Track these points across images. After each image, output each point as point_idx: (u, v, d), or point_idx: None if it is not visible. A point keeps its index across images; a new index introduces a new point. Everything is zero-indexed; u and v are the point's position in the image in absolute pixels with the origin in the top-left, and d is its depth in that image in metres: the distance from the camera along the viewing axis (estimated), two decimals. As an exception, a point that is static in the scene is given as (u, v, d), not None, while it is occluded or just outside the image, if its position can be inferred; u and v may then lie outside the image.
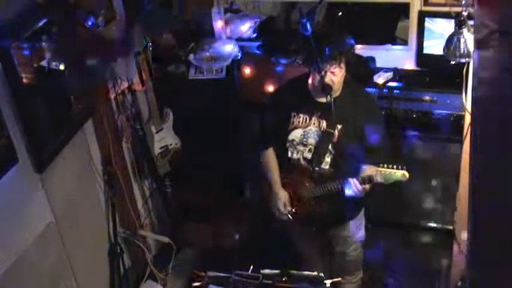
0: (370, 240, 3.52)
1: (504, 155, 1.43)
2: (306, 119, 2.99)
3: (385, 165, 2.78)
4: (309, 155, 2.99)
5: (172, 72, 4.13)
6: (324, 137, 2.93)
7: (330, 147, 2.94)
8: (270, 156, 3.13)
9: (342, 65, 2.81)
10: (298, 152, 3.02)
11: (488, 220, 1.50)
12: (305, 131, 2.99)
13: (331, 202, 3.01)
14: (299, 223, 3.22)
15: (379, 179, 2.80)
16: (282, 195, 3.11)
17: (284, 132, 3.03)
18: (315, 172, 2.98)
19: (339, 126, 2.91)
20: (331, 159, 2.96)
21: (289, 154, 3.04)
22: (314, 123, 2.97)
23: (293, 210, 3.11)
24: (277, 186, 3.11)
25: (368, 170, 2.86)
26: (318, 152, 2.96)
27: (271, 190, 3.15)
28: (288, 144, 3.03)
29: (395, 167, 2.78)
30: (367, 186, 2.84)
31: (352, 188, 2.84)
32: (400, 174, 2.77)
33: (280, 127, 3.04)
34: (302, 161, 3.02)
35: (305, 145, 3.00)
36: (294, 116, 3.01)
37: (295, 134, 3.01)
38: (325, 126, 2.93)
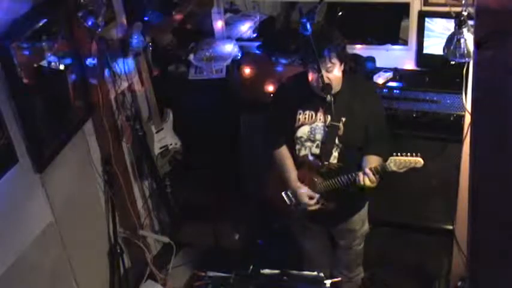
0: (370, 240, 3.52)
1: (504, 155, 1.43)
2: (311, 115, 2.99)
3: (399, 154, 2.79)
4: (316, 151, 2.99)
5: (172, 72, 4.13)
6: (330, 131, 2.94)
7: (336, 140, 2.94)
8: (284, 154, 3.10)
9: (334, 61, 2.81)
10: (306, 149, 3.02)
11: (488, 220, 1.50)
12: (312, 127, 2.99)
13: (339, 196, 3.02)
14: (303, 220, 3.22)
15: (393, 167, 2.81)
16: (303, 190, 3.06)
17: (291, 129, 3.03)
18: (324, 167, 2.98)
19: (343, 119, 2.91)
20: (338, 152, 2.96)
21: (297, 151, 3.05)
22: (320, 119, 2.97)
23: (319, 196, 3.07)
24: (296, 183, 3.07)
25: (373, 160, 2.88)
26: (326, 146, 2.96)
27: (283, 187, 3.13)
28: (295, 142, 3.04)
29: (408, 154, 2.79)
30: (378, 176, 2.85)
31: (366, 179, 2.83)
32: (414, 161, 2.78)
33: (287, 125, 3.04)
34: (310, 157, 3.02)
35: (313, 141, 3.00)
36: (300, 113, 3.01)
37: (303, 131, 3.01)
38: (330, 121, 2.93)
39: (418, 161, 2.79)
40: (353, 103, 2.93)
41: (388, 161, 2.81)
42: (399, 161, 2.80)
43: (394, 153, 2.81)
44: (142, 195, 4.04)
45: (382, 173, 2.84)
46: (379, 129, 2.98)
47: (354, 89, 2.97)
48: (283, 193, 3.15)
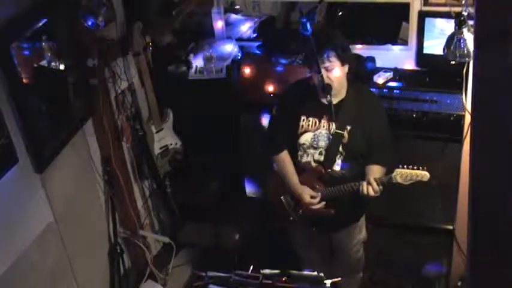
0: (370, 240, 3.52)
1: (504, 155, 1.42)
2: (315, 122, 2.98)
3: (405, 166, 2.77)
4: (320, 158, 2.98)
5: (172, 72, 4.13)
6: (334, 138, 2.93)
7: (340, 148, 2.93)
8: (285, 159, 3.08)
9: (332, 59, 2.80)
10: (308, 155, 3.01)
11: (488, 220, 1.50)
12: (315, 134, 2.98)
13: (340, 204, 3.01)
14: (303, 224, 3.22)
15: (398, 179, 2.78)
16: (306, 192, 3.03)
17: (294, 135, 3.01)
18: (327, 174, 2.97)
19: (348, 127, 2.91)
20: (341, 160, 2.96)
21: (299, 157, 3.03)
22: (324, 126, 2.96)
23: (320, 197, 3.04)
24: (297, 187, 3.05)
25: (376, 170, 2.87)
26: (329, 154, 2.95)
27: (282, 189, 3.12)
28: (297, 148, 3.02)
29: (415, 167, 2.77)
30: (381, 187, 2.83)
31: (370, 189, 2.81)
32: (420, 174, 2.76)
33: (290, 130, 3.03)
34: (313, 163, 3.00)
35: (315, 148, 2.98)
36: (304, 120, 3.00)
37: (306, 138, 2.99)
38: (334, 128, 2.92)
39: (425, 174, 2.76)
40: (359, 112, 2.92)
41: (394, 173, 2.78)
42: (405, 174, 2.76)
43: (400, 166, 2.77)
44: (142, 195, 4.04)
45: (387, 184, 2.81)
46: (382, 139, 2.97)
47: (360, 98, 2.97)
48: (282, 197, 3.14)
